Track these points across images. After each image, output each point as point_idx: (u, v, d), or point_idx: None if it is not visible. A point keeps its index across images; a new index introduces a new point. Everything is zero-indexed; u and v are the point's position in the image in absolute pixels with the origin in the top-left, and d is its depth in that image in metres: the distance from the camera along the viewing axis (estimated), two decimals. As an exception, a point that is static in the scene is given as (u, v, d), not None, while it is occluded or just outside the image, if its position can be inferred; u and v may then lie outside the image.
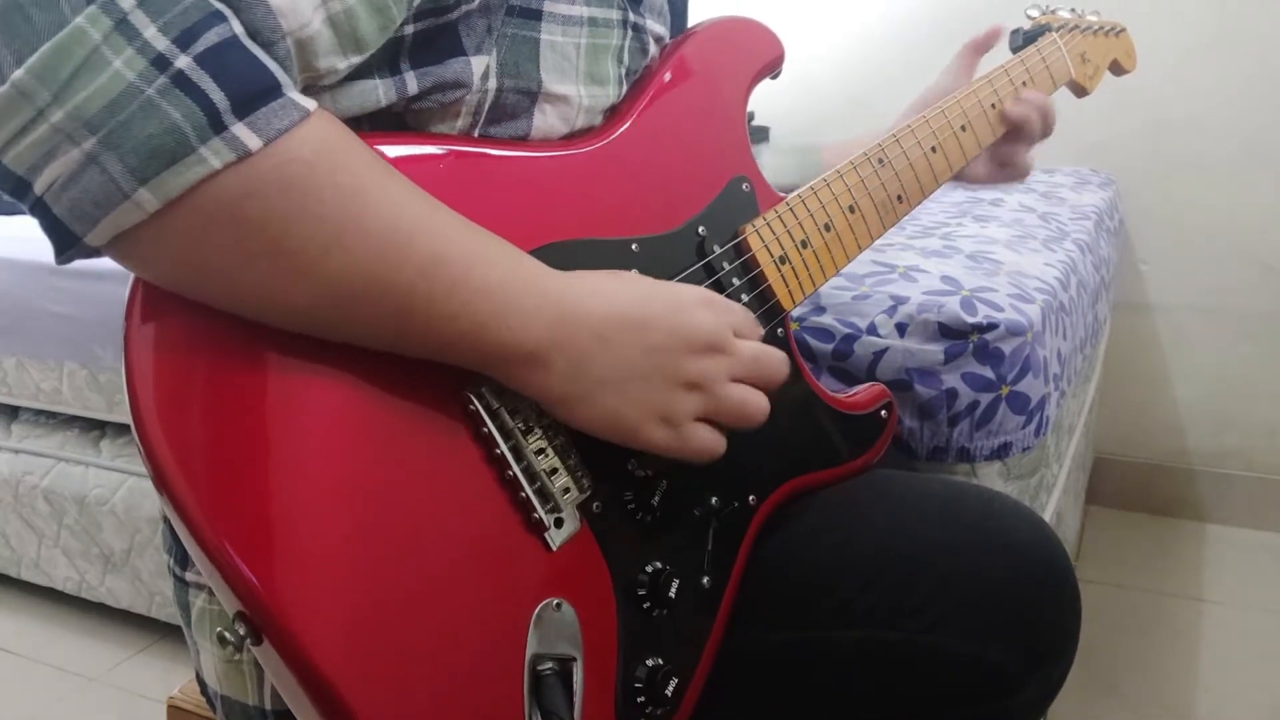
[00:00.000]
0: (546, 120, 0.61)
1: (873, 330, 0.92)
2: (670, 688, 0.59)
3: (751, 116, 0.77)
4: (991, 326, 0.89)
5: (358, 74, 0.53)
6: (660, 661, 0.59)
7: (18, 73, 0.41)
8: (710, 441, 0.57)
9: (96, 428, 1.59)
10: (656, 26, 0.68)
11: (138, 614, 1.60)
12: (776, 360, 0.60)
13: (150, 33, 0.42)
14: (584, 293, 0.54)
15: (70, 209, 0.43)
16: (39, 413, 1.64)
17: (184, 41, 0.42)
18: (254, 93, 0.43)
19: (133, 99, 0.41)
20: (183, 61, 0.42)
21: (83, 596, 1.64)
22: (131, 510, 1.51)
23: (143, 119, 0.41)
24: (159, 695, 1.46)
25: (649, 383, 0.55)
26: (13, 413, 1.67)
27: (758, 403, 0.59)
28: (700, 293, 0.59)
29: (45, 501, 1.59)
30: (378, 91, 0.54)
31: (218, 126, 0.42)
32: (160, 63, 0.42)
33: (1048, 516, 1.14)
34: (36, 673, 1.57)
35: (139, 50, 0.41)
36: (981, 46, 0.93)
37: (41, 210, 0.44)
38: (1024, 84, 0.88)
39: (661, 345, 0.55)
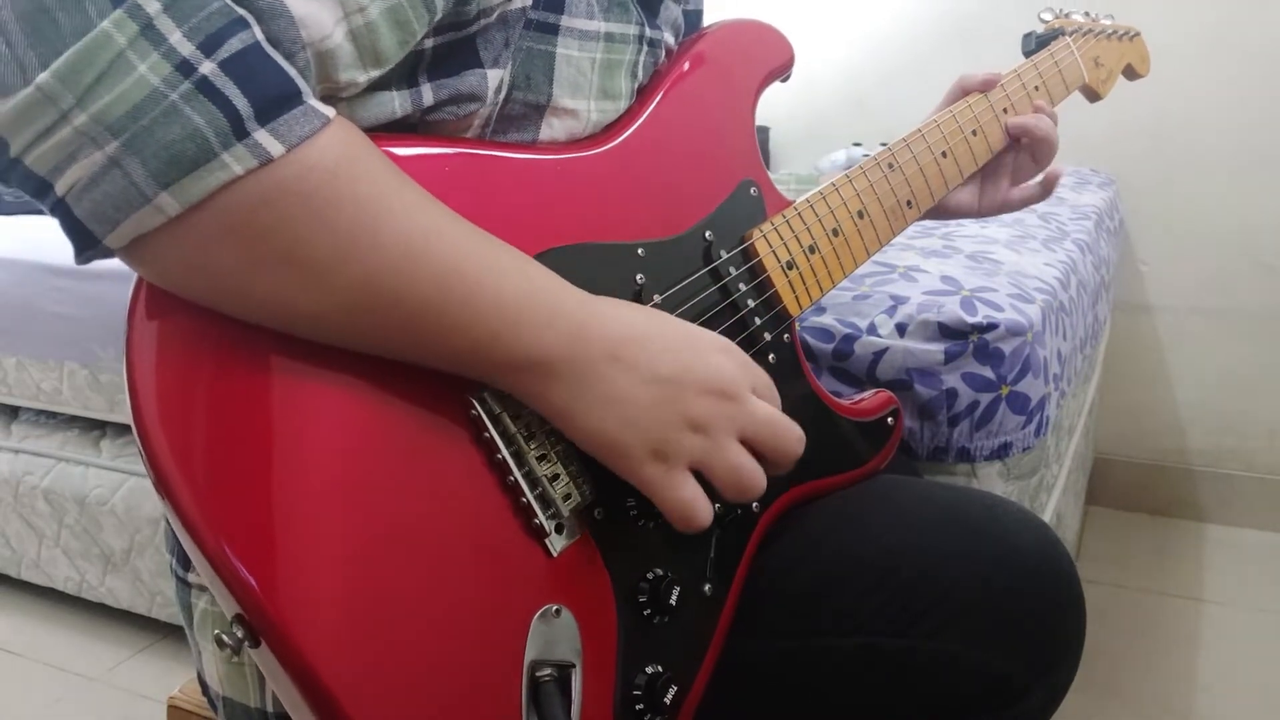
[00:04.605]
0: (553, 132, 0.61)
1: (873, 330, 0.92)
2: (670, 696, 0.58)
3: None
4: (991, 326, 0.89)
5: (376, 86, 0.53)
6: (660, 669, 0.58)
7: (42, 75, 0.41)
8: (694, 500, 0.53)
9: (97, 428, 1.59)
10: (671, 39, 0.68)
11: (138, 614, 1.60)
12: (793, 433, 0.57)
13: (175, 38, 0.42)
14: (600, 312, 0.53)
15: (91, 211, 0.43)
16: (39, 413, 1.64)
17: (208, 47, 0.42)
18: (277, 99, 0.43)
19: (156, 104, 0.41)
20: (207, 67, 0.42)
21: (83, 596, 1.64)
22: (131, 510, 1.51)
23: (166, 124, 0.41)
24: (159, 695, 1.46)
25: (652, 411, 0.53)
26: (13, 413, 1.67)
27: (755, 476, 0.55)
28: (720, 340, 0.57)
29: (45, 501, 1.59)
30: (394, 103, 0.54)
31: (240, 133, 0.43)
32: (185, 68, 0.42)
33: (1048, 517, 1.14)
34: (36, 673, 1.57)
35: (164, 55, 0.42)
36: (972, 88, 0.86)
37: (63, 211, 0.44)
38: (1036, 88, 0.88)
39: (673, 376, 0.53)
